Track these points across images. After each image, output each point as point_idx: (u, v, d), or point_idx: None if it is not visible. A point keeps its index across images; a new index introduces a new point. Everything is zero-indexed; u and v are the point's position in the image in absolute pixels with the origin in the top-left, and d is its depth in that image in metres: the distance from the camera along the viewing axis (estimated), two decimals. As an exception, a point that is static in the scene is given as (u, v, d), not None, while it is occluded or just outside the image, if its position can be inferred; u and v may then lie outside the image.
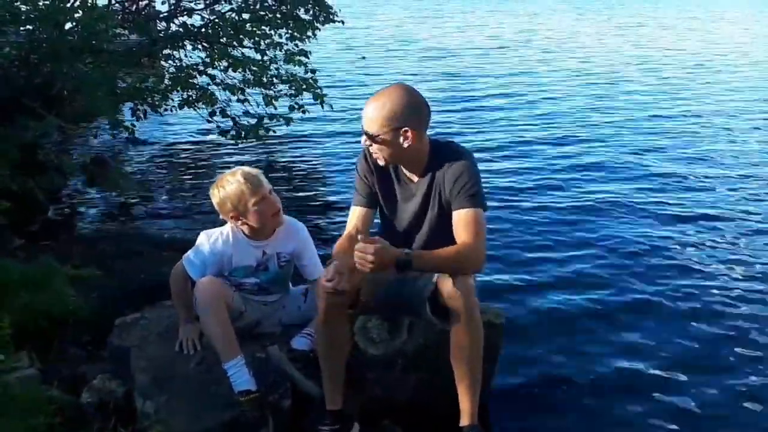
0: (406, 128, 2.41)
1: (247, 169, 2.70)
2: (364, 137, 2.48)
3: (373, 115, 2.42)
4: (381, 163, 2.54)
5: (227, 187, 2.64)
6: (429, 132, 2.58)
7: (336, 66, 12.51)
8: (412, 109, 2.43)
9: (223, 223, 2.80)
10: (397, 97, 2.42)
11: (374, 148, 2.48)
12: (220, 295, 2.62)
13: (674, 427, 2.95)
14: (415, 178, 2.59)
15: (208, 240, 2.75)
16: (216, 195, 2.68)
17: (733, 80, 12.53)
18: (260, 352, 2.71)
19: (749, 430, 2.98)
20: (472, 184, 2.46)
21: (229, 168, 2.89)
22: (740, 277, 4.45)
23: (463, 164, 2.48)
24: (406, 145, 2.44)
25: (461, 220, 2.45)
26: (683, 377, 3.32)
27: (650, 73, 13.14)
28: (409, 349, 2.70)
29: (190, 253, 2.77)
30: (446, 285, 2.38)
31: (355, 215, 2.68)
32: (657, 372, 3.36)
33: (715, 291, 4.24)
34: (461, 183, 2.45)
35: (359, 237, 2.31)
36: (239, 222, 2.69)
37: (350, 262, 2.33)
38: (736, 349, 3.58)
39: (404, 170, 2.61)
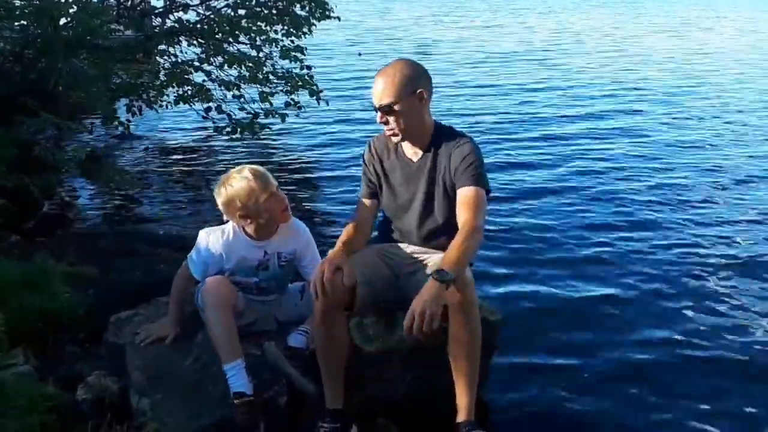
0: (420, 89, 2.50)
1: (253, 166, 2.68)
2: (378, 114, 2.52)
3: (386, 85, 2.49)
4: (395, 139, 2.60)
5: (235, 184, 2.61)
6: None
7: (334, 62, 12.48)
8: (420, 73, 2.55)
9: (223, 221, 2.78)
10: (403, 66, 2.54)
11: (390, 120, 2.51)
12: (228, 297, 2.61)
13: (676, 421, 2.97)
14: (415, 158, 2.64)
15: (207, 238, 2.74)
16: (222, 194, 2.64)
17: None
18: (256, 349, 2.71)
19: (753, 424, 2.99)
20: (478, 164, 2.54)
21: (224, 164, 2.88)
22: (743, 270, 4.47)
23: (470, 146, 2.56)
24: (421, 109, 2.53)
25: (465, 197, 2.51)
26: (684, 371, 3.34)
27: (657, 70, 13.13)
28: (405, 346, 2.70)
29: (192, 251, 2.76)
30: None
31: (362, 205, 2.79)
32: (656, 366, 3.38)
33: (719, 284, 4.26)
34: (468, 162, 2.52)
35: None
36: (247, 221, 2.66)
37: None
38: (741, 342, 3.60)
39: (405, 152, 2.66)
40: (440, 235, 2.64)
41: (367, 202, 2.78)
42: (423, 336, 2.22)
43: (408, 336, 2.24)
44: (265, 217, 2.65)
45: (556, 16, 24.63)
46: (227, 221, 2.75)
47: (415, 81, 2.50)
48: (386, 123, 2.54)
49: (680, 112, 9.47)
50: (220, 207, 2.68)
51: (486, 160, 2.61)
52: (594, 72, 12.61)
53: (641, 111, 9.47)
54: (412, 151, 2.66)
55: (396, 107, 2.49)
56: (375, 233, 2.87)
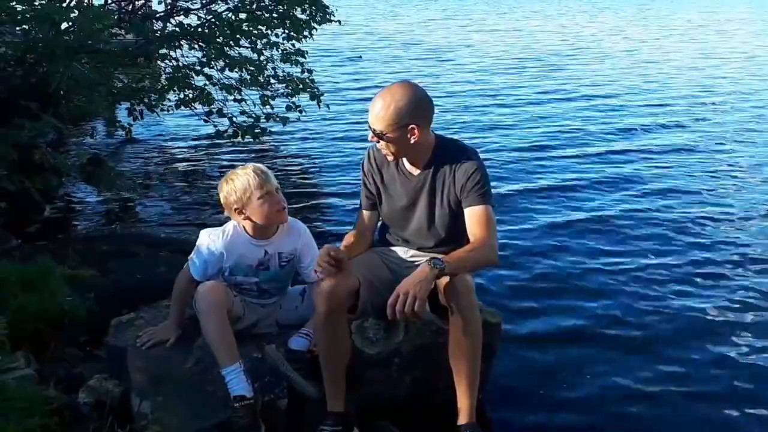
0: (413, 125, 2.46)
1: (258, 165, 2.73)
2: (371, 134, 2.52)
3: (380, 114, 2.46)
4: (390, 158, 2.59)
5: (236, 179, 2.66)
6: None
7: (336, 66, 12.48)
8: (418, 106, 2.48)
9: (225, 221, 2.79)
10: (402, 95, 2.46)
11: (381, 144, 2.53)
12: (222, 302, 2.61)
13: (673, 425, 2.97)
14: (416, 172, 2.63)
15: (208, 238, 2.75)
16: (224, 188, 2.68)
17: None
18: (256, 352, 2.71)
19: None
20: (484, 182, 2.54)
21: (225, 168, 2.89)
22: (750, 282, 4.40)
23: (475, 162, 2.55)
24: (412, 141, 2.50)
25: (476, 216, 2.52)
26: (681, 376, 3.33)
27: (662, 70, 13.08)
28: (406, 349, 2.70)
29: (193, 253, 2.77)
30: (446, 283, 2.41)
31: (362, 216, 2.80)
32: (654, 370, 3.37)
33: (722, 298, 4.18)
34: (474, 180, 2.52)
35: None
36: (242, 217, 2.68)
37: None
38: (738, 353, 3.57)
39: (405, 165, 2.65)
40: (441, 247, 2.63)
41: (366, 213, 2.79)
42: (403, 317, 2.26)
43: (390, 315, 2.27)
44: (259, 213, 2.66)
45: (564, 19, 24.31)
46: (228, 220, 2.77)
47: (409, 115, 2.45)
48: (378, 142, 2.55)
49: (700, 118, 9.35)
50: (222, 201, 2.72)
51: (492, 171, 2.60)
52: (606, 77, 12.47)
53: (658, 116, 9.38)
54: (412, 165, 2.65)
55: (384, 137, 2.49)
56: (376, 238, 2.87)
